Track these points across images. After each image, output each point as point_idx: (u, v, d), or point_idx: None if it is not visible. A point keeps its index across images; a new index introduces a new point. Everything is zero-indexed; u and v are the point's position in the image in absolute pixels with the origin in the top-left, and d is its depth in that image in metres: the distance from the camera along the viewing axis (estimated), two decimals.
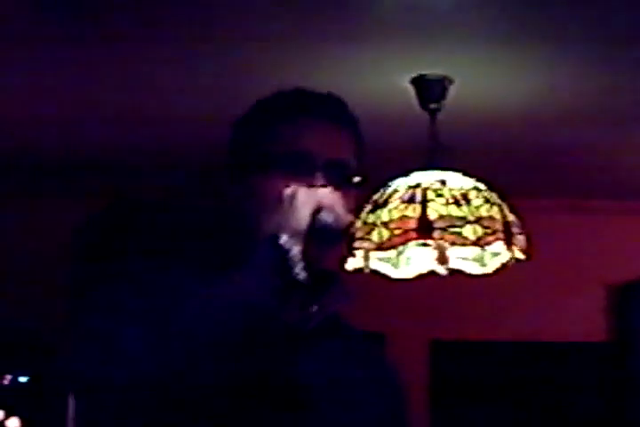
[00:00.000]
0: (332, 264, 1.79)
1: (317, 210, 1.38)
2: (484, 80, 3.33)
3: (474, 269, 3.23)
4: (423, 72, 3.21)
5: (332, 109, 1.51)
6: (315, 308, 1.42)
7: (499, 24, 2.91)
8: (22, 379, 3.85)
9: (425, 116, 3.24)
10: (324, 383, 1.45)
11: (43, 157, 4.00)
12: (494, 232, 3.08)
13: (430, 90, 3.27)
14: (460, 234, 3.04)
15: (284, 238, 1.33)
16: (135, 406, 1.32)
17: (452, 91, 3.24)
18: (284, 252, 1.33)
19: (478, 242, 3.05)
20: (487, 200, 3.13)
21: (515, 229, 3.11)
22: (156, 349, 1.29)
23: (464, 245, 3.06)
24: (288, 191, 1.38)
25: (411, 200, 3.11)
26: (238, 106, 1.55)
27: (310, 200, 1.38)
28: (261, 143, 1.49)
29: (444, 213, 3.07)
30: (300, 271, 1.33)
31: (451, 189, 3.13)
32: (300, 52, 3.12)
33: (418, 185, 3.14)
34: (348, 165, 1.47)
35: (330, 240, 1.42)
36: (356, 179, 1.49)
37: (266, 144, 1.48)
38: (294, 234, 1.34)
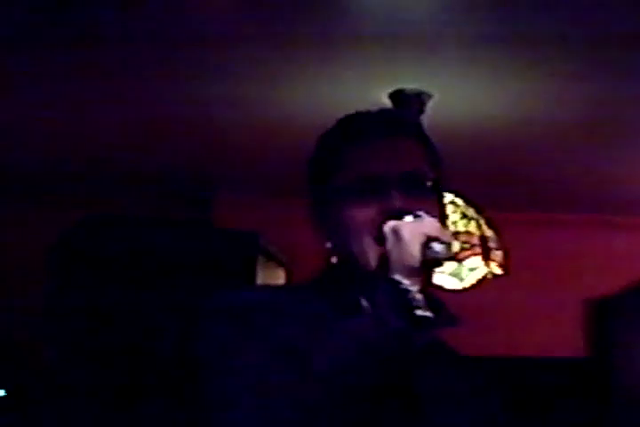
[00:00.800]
0: None
1: (426, 243, 1.34)
2: (462, 95, 3.32)
3: (451, 284, 3.21)
4: (401, 87, 3.19)
5: (390, 123, 1.49)
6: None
7: (477, 39, 2.91)
8: None
9: None
10: (435, 394, 1.44)
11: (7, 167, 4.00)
12: (471, 247, 3.11)
13: (408, 104, 3.23)
14: None
15: (404, 282, 1.30)
16: None
17: (431, 105, 3.22)
18: (406, 294, 1.30)
19: (455, 257, 3.07)
20: (464, 215, 3.15)
21: (492, 244, 3.14)
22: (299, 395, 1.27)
23: None
24: (390, 228, 1.35)
25: None
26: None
27: (416, 234, 1.34)
28: (332, 173, 1.47)
29: None
30: (425, 311, 1.30)
31: None
32: (280, 67, 3.11)
33: None
34: (420, 173, 1.44)
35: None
36: (428, 183, 1.45)
37: (336, 173, 1.46)
38: (410, 273, 1.31)
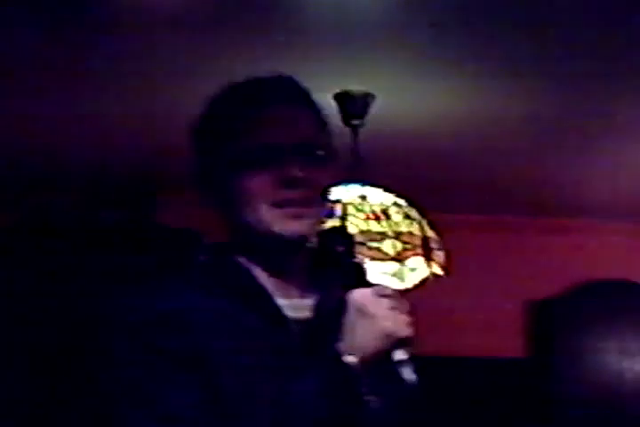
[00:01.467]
0: None
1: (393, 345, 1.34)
2: (406, 96, 3.33)
3: (393, 284, 3.11)
4: (346, 88, 3.20)
5: (286, 91, 1.45)
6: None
7: (421, 42, 2.93)
8: None
9: (347, 131, 3.23)
10: None
11: None
12: (413, 247, 3.09)
13: (353, 106, 3.25)
14: (379, 249, 3.04)
15: (399, 354, 1.30)
16: None
17: (375, 107, 3.24)
18: (402, 362, 1.31)
19: (397, 257, 3.05)
20: (407, 216, 3.13)
21: (433, 245, 3.13)
22: None
23: (383, 260, 3.06)
24: (355, 301, 1.32)
25: (330, 215, 3.07)
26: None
27: (388, 330, 1.32)
28: (224, 142, 1.42)
29: (364, 228, 3.07)
30: (411, 375, 1.32)
31: (371, 205, 3.13)
32: (225, 65, 2.98)
33: (338, 200, 3.12)
34: (315, 142, 1.42)
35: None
36: (320, 152, 1.43)
37: (229, 142, 1.41)
38: (402, 343, 1.31)
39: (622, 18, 2.79)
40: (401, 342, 1.32)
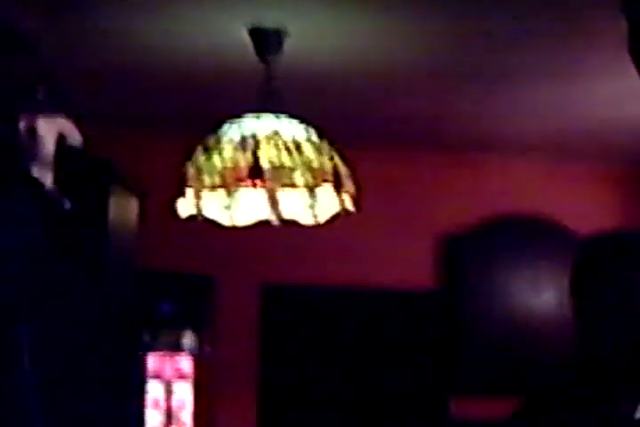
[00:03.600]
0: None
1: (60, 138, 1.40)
2: (319, 33, 3.32)
3: (306, 219, 3.25)
4: (261, 24, 3.19)
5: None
6: None
7: None
8: None
9: (261, 65, 3.25)
10: None
11: None
12: (325, 181, 3.12)
13: (266, 41, 3.25)
14: (290, 180, 3.08)
15: (35, 171, 1.36)
16: None
17: (288, 42, 3.24)
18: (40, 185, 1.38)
19: (309, 188, 3.08)
20: (318, 149, 3.15)
21: (345, 178, 3.16)
22: None
23: (294, 188, 3.11)
24: (23, 126, 1.38)
25: (243, 146, 3.11)
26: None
27: (52, 130, 1.40)
28: None
29: (276, 160, 3.10)
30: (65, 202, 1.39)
31: (283, 137, 3.15)
32: (142, 5, 3.03)
33: (251, 132, 3.15)
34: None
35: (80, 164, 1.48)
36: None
37: None
38: (44, 165, 1.38)
39: None
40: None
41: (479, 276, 4.72)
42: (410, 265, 4.71)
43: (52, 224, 1.46)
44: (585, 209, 4.77)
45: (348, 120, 4.10)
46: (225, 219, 3.27)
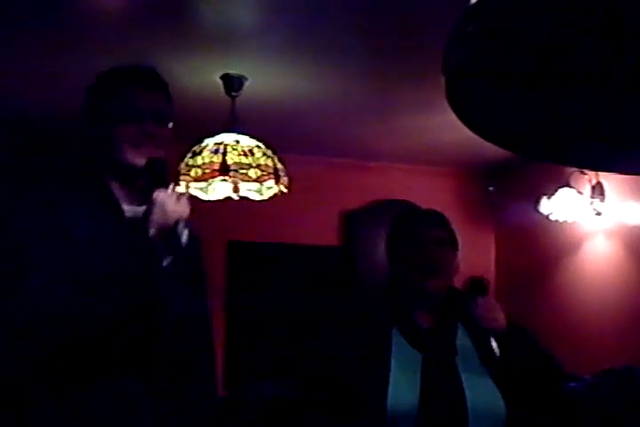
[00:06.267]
0: None
1: (177, 221, 1.51)
2: (270, 77, 3.55)
3: (255, 196, 3.63)
4: (227, 71, 3.50)
5: (153, 78, 1.61)
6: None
7: (281, 41, 3.11)
8: None
9: (229, 100, 3.55)
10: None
11: None
12: (268, 174, 3.46)
13: (232, 83, 3.56)
14: (246, 174, 3.41)
15: (180, 226, 1.50)
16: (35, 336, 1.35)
17: (247, 84, 3.55)
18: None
19: (258, 180, 3.45)
20: (264, 154, 3.50)
21: (281, 173, 3.53)
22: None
23: (249, 181, 3.43)
24: (154, 196, 1.50)
25: (216, 151, 3.42)
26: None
27: (175, 211, 1.50)
28: (112, 103, 1.56)
29: (237, 160, 3.40)
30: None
31: (242, 146, 3.45)
32: (144, 56, 3.08)
33: (221, 142, 3.45)
34: (164, 112, 1.59)
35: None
36: (170, 124, 1.61)
37: (114, 104, 1.55)
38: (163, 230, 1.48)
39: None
40: (182, 219, 1.53)
41: (366, 239, 4.98)
42: (323, 230, 4.99)
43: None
44: (433, 196, 4.96)
45: (286, 135, 4.24)
46: (203, 196, 3.53)
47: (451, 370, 1.68)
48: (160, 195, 1.51)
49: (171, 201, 1.51)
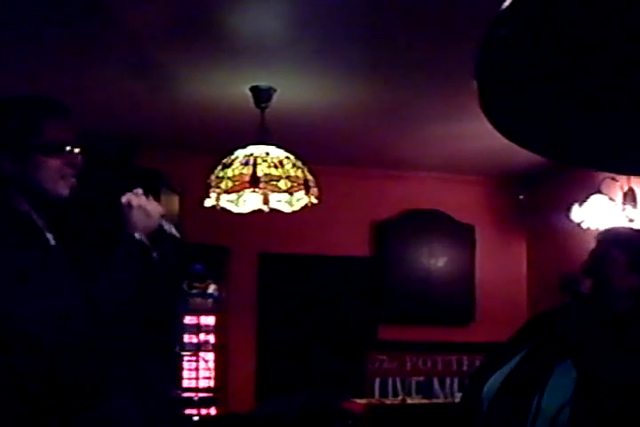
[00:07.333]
0: None
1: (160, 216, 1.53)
2: (297, 89, 3.65)
3: (286, 208, 3.67)
4: (256, 83, 3.59)
5: (64, 108, 1.55)
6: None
7: (309, 54, 3.20)
8: None
9: (258, 111, 3.63)
10: None
11: None
12: (298, 185, 3.51)
13: (261, 95, 3.63)
14: (276, 185, 3.46)
15: (138, 236, 1.49)
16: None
17: (276, 96, 3.62)
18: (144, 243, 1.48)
19: (288, 191, 3.50)
20: (294, 165, 3.56)
21: (311, 184, 3.57)
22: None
23: (279, 192, 3.49)
24: (124, 201, 1.50)
25: (246, 163, 3.49)
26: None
27: (155, 208, 1.51)
28: (33, 137, 1.48)
29: (267, 172, 3.46)
30: (176, 233, 1.54)
31: (272, 157, 3.51)
32: (171, 69, 3.29)
33: (251, 154, 3.51)
34: (79, 141, 1.54)
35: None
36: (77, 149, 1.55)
37: (36, 137, 1.48)
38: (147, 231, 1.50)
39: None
40: (162, 215, 1.54)
41: (396, 249, 5.06)
42: (354, 241, 5.06)
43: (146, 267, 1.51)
44: (464, 206, 5.10)
45: (315, 146, 4.30)
46: (233, 208, 3.58)
47: None
48: (132, 198, 1.52)
49: (145, 201, 1.52)
